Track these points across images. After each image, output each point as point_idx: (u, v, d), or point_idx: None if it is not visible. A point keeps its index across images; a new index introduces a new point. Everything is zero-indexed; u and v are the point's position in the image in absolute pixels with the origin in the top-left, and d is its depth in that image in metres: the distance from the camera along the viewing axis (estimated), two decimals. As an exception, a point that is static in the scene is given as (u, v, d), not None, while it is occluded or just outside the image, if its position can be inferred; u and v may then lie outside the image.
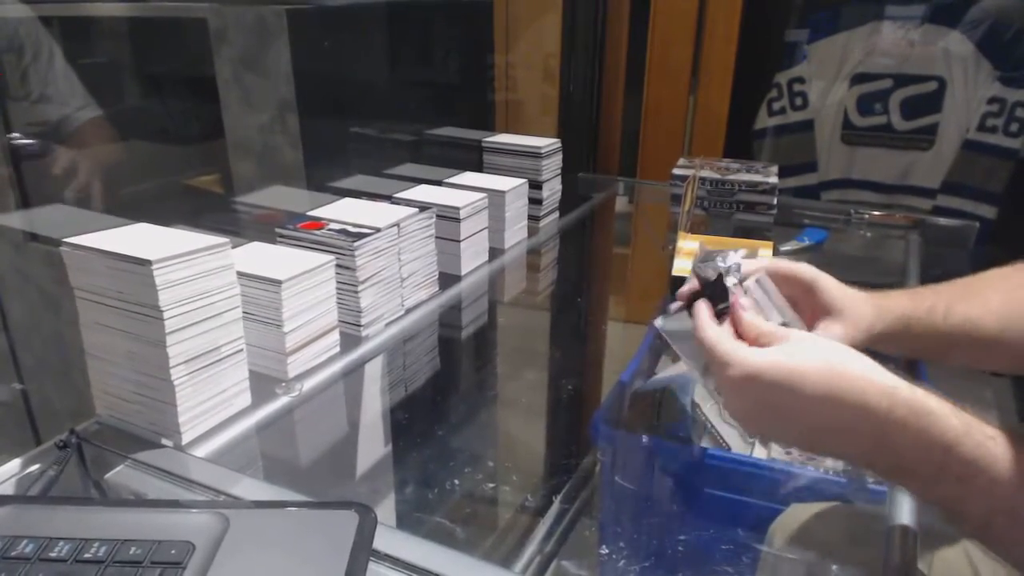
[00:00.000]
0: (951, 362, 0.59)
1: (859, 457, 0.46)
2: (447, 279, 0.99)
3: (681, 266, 0.93)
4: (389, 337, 0.86)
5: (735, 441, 0.75)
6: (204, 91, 1.08)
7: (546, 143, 1.24)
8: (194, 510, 0.47)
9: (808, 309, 0.57)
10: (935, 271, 1.06)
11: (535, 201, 1.23)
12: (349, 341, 0.82)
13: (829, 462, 0.69)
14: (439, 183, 1.08)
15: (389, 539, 0.49)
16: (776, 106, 1.59)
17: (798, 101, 1.57)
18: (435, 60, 1.40)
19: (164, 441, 0.63)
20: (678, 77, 1.55)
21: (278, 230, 0.84)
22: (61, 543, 0.43)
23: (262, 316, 0.72)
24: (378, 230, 0.83)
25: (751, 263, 0.56)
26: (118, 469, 0.60)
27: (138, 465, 0.60)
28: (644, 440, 0.74)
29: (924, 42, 1.44)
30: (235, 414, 0.67)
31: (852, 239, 1.28)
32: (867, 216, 1.32)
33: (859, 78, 1.51)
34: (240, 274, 0.67)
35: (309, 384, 0.74)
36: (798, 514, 0.63)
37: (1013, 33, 1.38)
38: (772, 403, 0.46)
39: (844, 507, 0.64)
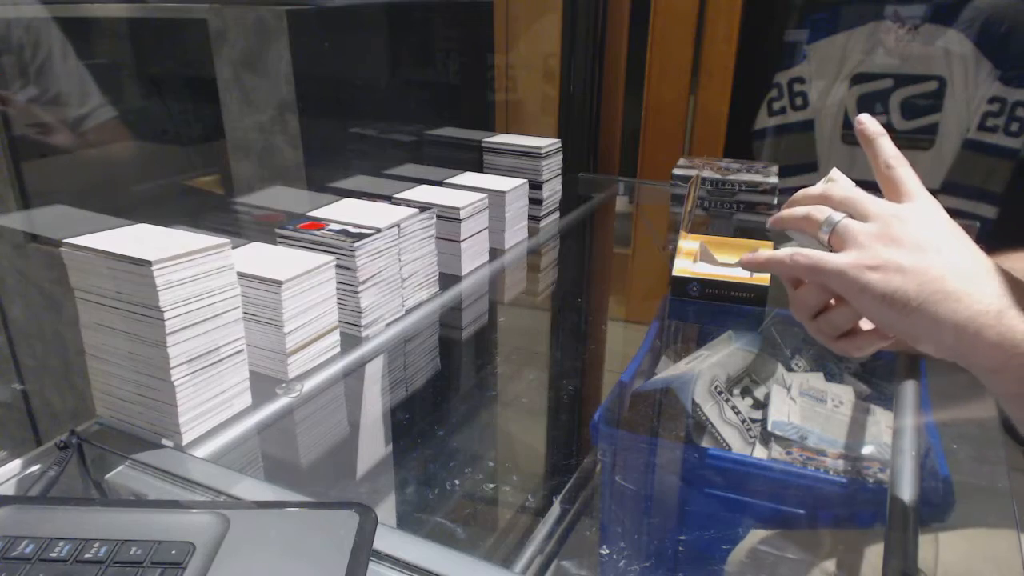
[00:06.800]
0: None
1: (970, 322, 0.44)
2: (447, 279, 0.99)
3: (681, 266, 0.93)
4: (389, 337, 0.86)
5: (735, 441, 0.75)
6: (204, 91, 1.08)
7: (546, 143, 1.24)
8: (194, 510, 0.47)
9: None
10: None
11: (535, 201, 1.23)
12: (349, 341, 0.82)
13: (829, 462, 0.69)
14: (439, 183, 1.08)
15: (389, 539, 0.49)
16: (776, 106, 1.59)
17: (798, 101, 1.57)
18: (435, 60, 1.40)
19: (164, 441, 0.63)
20: (678, 77, 1.55)
21: (278, 230, 0.84)
22: (61, 543, 0.43)
23: (262, 316, 0.72)
24: (378, 230, 0.83)
25: None
26: (118, 469, 0.60)
27: (138, 465, 0.60)
28: (644, 440, 0.74)
29: (924, 42, 1.44)
30: (235, 414, 0.67)
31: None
32: (867, 216, 1.31)
33: (859, 78, 1.50)
34: (240, 274, 0.67)
35: (309, 384, 0.74)
36: (757, 540, 0.63)
37: (1013, 32, 1.38)
38: (941, 232, 0.47)
39: (803, 534, 0.63)
